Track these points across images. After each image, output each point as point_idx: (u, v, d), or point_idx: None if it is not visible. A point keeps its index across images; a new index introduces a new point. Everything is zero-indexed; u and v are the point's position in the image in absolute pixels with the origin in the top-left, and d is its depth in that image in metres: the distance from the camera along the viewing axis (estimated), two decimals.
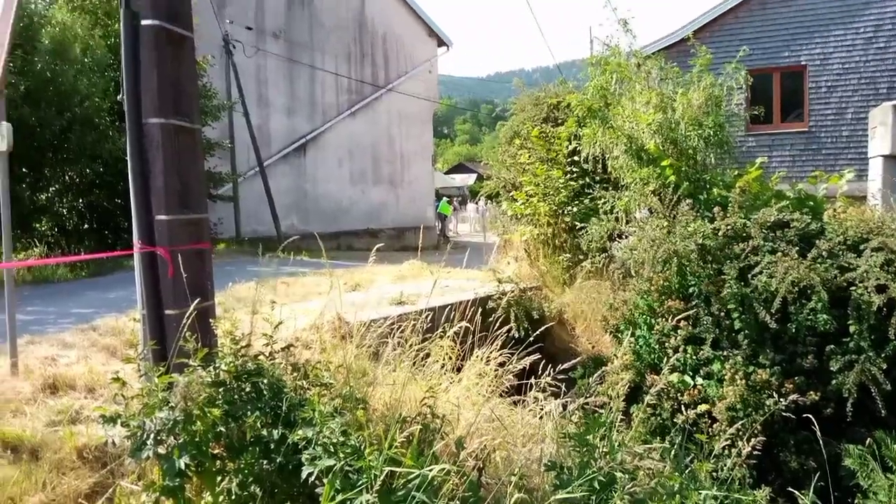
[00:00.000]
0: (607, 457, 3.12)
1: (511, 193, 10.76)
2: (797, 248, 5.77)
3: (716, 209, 6.31)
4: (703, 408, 5.17)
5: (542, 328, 5.59)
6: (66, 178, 13.19)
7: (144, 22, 3.57)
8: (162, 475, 2.77)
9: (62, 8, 13.43)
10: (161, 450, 2.79)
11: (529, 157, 10.30)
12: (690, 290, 6.11)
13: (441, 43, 27.14)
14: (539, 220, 10.03)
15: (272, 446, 2.92)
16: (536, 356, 4.69)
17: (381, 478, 2.65)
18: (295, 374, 3.40)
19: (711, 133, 7.70)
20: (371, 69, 24.07)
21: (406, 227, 24.62)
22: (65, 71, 11.58)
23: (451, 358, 4.92)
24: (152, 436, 2.78)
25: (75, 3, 14.30)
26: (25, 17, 11.09)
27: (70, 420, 3.72)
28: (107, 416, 2.87)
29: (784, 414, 4.82)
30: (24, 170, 11.60)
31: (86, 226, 14.21)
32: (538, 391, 4.25)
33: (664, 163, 7.45)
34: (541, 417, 4.31)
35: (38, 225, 13.27)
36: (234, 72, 18.36)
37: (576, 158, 9.38)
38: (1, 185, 4.55)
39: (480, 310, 5.71)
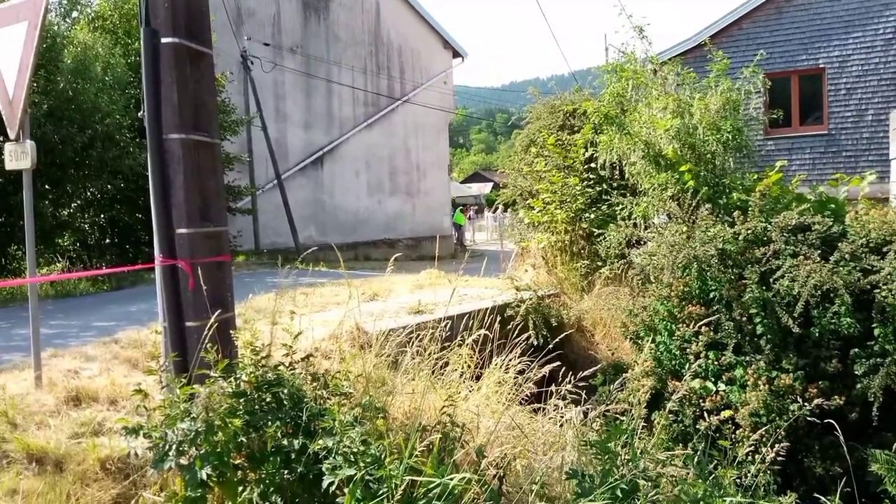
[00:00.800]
0: (629, 464, 3.09)
1: (528, 201, 10.75)
2: (819, 251, 5.71)
3: (736, 213, 6.26)
4: (726, 414, 5.11)
5: (561, 335, 5.57)
6: (88, 193, 13.40)
7: (164, 40, 3.63)
8: (184, 486, 2.79)
9: (84, 28, 13.68)
10: (183, 461, 2.81)
11: (546, 164, 10.29)
12: (711, 295, 6.06)
13: (456, 54, 27.26)
14: (556, 228, 10.00)
15: (293, 456, 2.93)
16: (556, 364, 4.67)
17: (402, 487, 2.65)
18: (315, 383, 3.41)
19: (730, 137, 7.64)
20: (387, 81, 24.23)
21: (423, 237, 24.68)
22: (86, 89, 11.78)
23: (469, 366, 4.91)
24: (174, 447, 2.80)
25: (96, 23, 14.58)
26: (48, 38, 11.32)
27: (93, 432, 3.75)
28: (129, 427, 2.90)
29: (808, 419, 4.76)
30: (46, 186, 11.79)
31: (107, 240, 14.42)
32: (558, 399, 4.22)
33: (682, 168, 7.40)
34: (561, 425, 4.28)
35: (60, 240, 13.48)
36: (253, 87, 18.58)
37: (592, 165, 9.36)
38: (26, 202, 4.63)
39: (499, 318, 5.70)
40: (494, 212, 30.96)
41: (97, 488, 3.32)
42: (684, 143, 7.73)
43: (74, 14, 15.14)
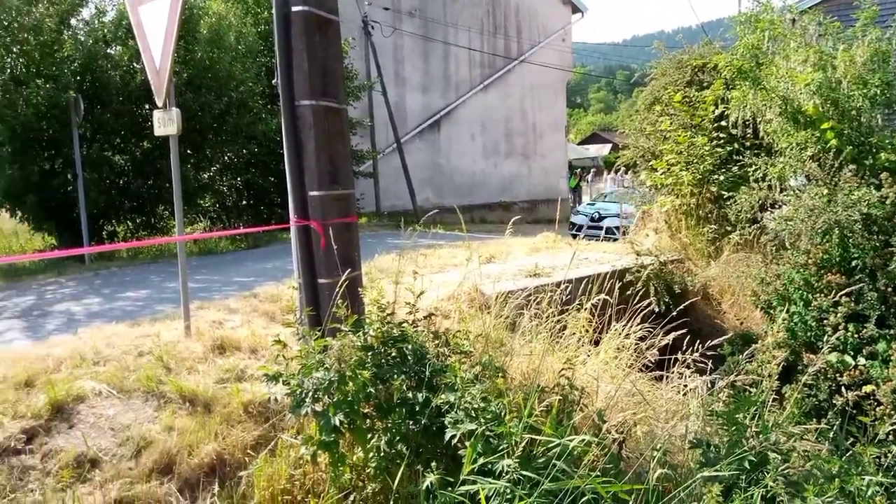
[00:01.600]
0: (759, 436, 2.98)
1: (650, 163, 10.35)
2: None
3: (883, 175, 5.81)
4: (867, 389, 4.79)
5: (685, 303, 5.38)
6: (226, 158, 14.28)
7: (295, 8, 3.78)
8: (319, 430, 2.99)
9: None
10: (318, 407, 3.01)
11: (671, 123, 9.83)
12: (853, 263, 5.66)
13: (575, 9, 26.43)
14: (681, 190, 9.59)
15: (417, 408, 3.06)
16: (679, 332, 4.53)
17: (522, 444, 2.71)
18: (436, 341, 3.53)
19: (878, 92, 7.03)
20: (504, 41, 23.92)
21: (538, 200, 24.47)
22: (221, 58, 12.46)
23: (588, 331, 4.87)
24: (310, 394, 3.01)
25: None
26: (186, 10, 12.02)
27: (236, 378, 4.08)
28: (270, 375, 3.14)
29: None
30: (188, 151, 12.66)
31: (243, 202, 15.37)
32: (683, 367, 4.11)
33: (824, 125, 6.89)
34: (685, 394, 4.18)
35: (201, 201, 14.49)
36: (373, 52, 18.93)
37: (723, 123, 8.87)
38: (173, 166, 5.01)
39: (618, 283, 5.59)
40: (616, 173, 30.04)
41: (241, 429, 3.63)
42: (826, 98, 7.17)
43: None
